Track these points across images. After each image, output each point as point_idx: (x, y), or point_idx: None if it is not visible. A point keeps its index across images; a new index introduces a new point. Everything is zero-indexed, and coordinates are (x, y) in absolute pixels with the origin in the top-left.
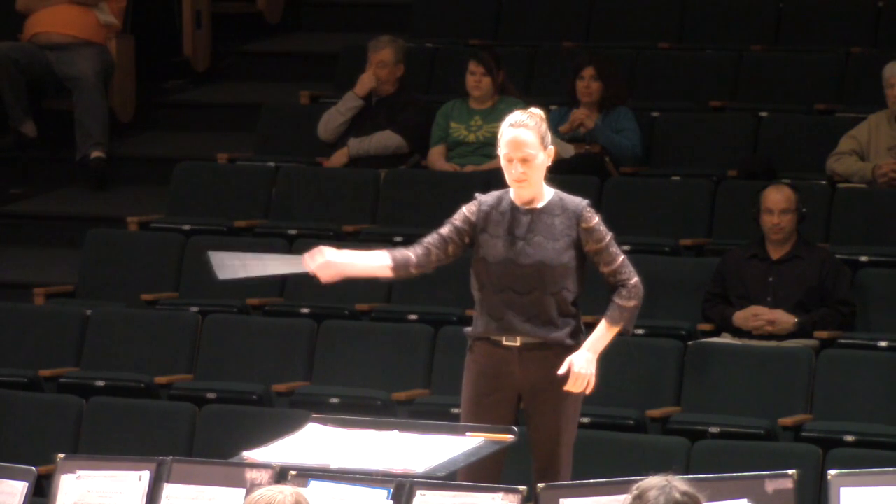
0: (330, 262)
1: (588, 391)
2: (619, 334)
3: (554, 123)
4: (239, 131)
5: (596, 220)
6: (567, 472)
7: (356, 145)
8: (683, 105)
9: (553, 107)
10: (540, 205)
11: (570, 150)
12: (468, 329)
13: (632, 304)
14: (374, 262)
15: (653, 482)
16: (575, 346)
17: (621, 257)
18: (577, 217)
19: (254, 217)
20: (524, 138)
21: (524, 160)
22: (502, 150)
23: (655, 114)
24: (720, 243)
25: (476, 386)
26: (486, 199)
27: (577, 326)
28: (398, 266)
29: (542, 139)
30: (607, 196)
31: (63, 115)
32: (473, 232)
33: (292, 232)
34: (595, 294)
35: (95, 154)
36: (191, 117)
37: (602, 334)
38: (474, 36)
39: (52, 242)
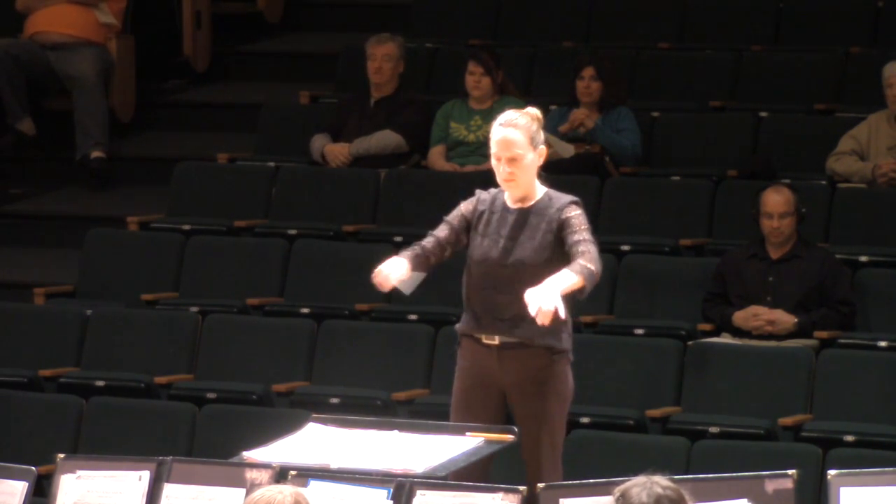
0: (390, 276)
1: (563, 315)
2: (577, 293)
3: (554, 123)
4: (239, 131)
5: (577, 212)
6: (554, 473)
7: (356, 145)
8: (683, 105)
9: (553, 107)
10: (529, 204)
11: (570, 150)
12: (457, 325)
13: (591, 266)
14: (406, 265)
15: (634, 481)
16: (556, 347)
17: (592, 244)
18: (560, 211)
19: (254, 217)
20: (512, 138)
21: (511, 160)
22: (492, 148)
23: (655, 114)
24: (720, 243)
25: (463, 382)
26: (484, 196)
27: (559, 327)
28: (417, 266)
29: (532, 139)
30: (607, 196)
31: (63, 115)
32: (469, 229)
33: (292, 232)
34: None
35: (95, 154)
36: (191, 117)
37: (563, 275)
38: (474, 36)
39: (52, 242)
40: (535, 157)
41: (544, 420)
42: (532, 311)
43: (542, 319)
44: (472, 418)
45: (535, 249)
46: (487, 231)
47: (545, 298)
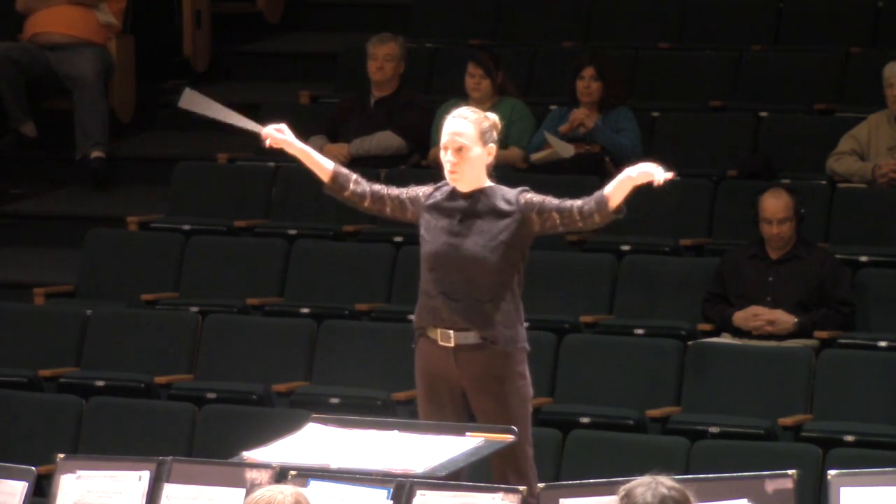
0: (284, 132)
1: (670, 174)
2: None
3: (554, 123)
4: (239, 131)
5: (532, 192)
6: (517, 473)
7: (356, 145)
8: (683, 105)
9: (553, 107)
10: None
11: (570, 150)
12: (414, 321)
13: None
14: (320, 160)
15: (639, 481)
16: (512, 342)
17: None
18: (516, 200)
19: (254, 217)
20: (459, 128)
21: (458, 150)
22: (441, 140)
23: (655, 114)
24: (720, 243)
25: (423, 382)
26: (446, 187)
27: (513, 320)
28: (335, 179)
29: (482, 135)
30: None
31: (63, 115)
32: (418, 210)
33: (292, 232)
34: (585, 294)
35: (95, 154)
36: (191, 117)
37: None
38: (474, 36)
39: (52, 242)
40: (482, 154)
41: (505, 419)
42: (659, 177)
43: (661, 177)
44: (440, 417)
45: (490, 235)
46: (438, 216)
47: (647, 169)
